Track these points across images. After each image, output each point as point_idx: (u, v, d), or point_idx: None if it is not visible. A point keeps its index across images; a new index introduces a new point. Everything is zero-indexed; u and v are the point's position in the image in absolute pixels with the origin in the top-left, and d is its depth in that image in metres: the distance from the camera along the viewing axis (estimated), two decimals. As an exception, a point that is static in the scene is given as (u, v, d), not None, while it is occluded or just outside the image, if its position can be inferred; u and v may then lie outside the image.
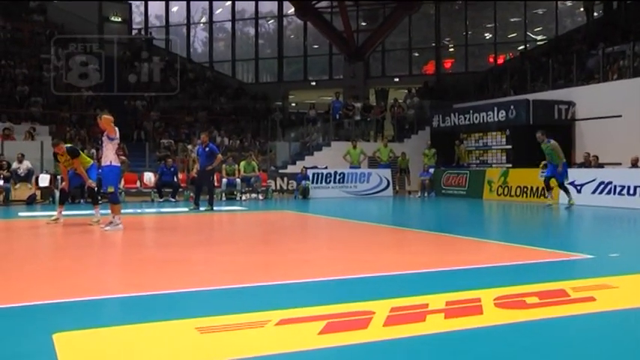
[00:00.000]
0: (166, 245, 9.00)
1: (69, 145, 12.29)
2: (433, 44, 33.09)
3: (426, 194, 20.66)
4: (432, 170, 21.29)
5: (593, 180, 15.53)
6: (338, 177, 20.71)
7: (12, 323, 4.35)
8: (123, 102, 26.03)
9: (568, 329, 4.01)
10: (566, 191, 14.66)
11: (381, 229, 11.26)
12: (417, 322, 4.06)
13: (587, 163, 17.29)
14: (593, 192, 15.43)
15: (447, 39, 34.04)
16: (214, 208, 14.89)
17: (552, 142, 14.42)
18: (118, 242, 9.43)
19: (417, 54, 33.88)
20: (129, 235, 10.15)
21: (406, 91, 29.35)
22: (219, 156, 15.53)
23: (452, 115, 22.35)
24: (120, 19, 32.14)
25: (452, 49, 34.22)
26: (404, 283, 5.66)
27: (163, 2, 35.97)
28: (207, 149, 14.73)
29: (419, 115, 25.50)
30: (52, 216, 11.64)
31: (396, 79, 32.83)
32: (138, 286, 5.72)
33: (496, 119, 20.18)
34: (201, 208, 14.69)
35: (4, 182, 17.31)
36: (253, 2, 35.19)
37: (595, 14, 28.91)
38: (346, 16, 29.34)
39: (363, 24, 33.66)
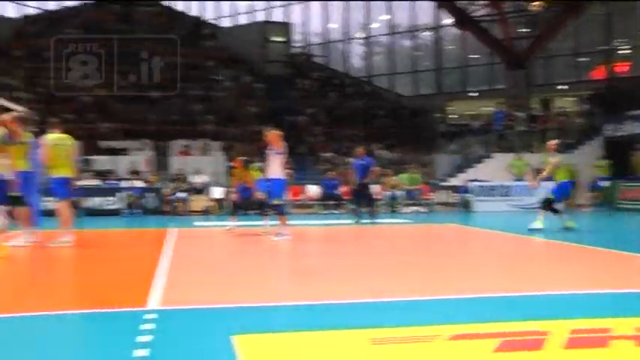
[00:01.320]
0: (334, 255, 9.39)
1: (243, 158, 12.95)
2: (604, 47, 31.02)
3: (598, 208, 19.36)
4: (604, 183, 19.89)
5: None
6: (503, 190, 19.96)
7: (195, 324, 4.64)
8: (285, 117, 27.03)
9: None
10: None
11: (554, 244, 10.58)
12: (598, 347, 3.78)
13: None
14: None
15: (620, 40, 31.71)
16: (376, 220, 15.00)
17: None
18: (287, 251, 9.85)
19: (584, 59, 31.92)
20: (297, 245, 10.56)
21: (573, 98, 27.81)
22: (376, 169, 15.64)
23: (627, 122, 20.79)
24: (282, 39, 33.48)
25: (627, 51, 31.83)
26: (583, 303, 5.30)
27: (322, 21, 36.91)
28: (363, 162, 14.93)
29: (588, 123, 24.06)
30: (225, 226, 12.34)
31: (562, 87, 31.18)
32: (311, 294, 5.88)
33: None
34: (363, 221, 14.84)
35: (184, 194, 18.86)
36: (409, 15, 35.13)
37: None
38: (506, 23, 28.42)
39: (525, 30, 32.37)
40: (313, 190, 19.87)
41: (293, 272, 7.90)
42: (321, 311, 5.10)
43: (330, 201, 19.16)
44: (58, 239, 9.89)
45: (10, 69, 28.00)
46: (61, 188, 10.60)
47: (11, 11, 34.35)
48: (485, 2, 29.33)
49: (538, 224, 11.84)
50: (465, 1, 29.37)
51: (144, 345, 3.90)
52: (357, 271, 7.46)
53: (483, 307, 5.27)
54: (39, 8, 35.31)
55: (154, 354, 3.74)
